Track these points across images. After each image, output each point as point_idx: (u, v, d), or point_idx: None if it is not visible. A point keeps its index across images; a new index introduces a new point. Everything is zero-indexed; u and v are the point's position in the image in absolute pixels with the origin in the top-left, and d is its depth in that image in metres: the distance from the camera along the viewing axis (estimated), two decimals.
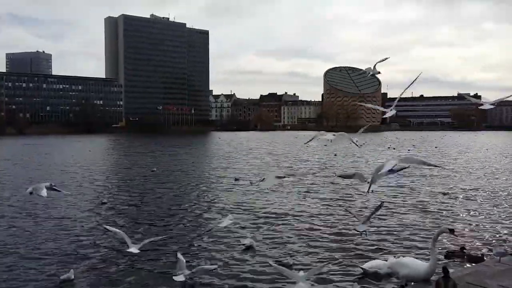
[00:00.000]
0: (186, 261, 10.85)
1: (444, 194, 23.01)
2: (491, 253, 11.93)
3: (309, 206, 20.26)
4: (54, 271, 11.54)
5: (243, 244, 13.54)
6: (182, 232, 15.95)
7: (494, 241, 13.74)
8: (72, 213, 19.16)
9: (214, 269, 11.13)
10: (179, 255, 10.80)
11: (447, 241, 13.59)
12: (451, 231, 8.51)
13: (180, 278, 10.37)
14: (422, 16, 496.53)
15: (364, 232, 11.21)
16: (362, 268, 10.98)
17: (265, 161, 43.46)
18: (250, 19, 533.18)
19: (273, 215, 18.34)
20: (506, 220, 17.01)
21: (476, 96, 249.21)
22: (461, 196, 22.63)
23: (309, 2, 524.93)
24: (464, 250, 12.26)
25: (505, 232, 15.20)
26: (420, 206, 19.94)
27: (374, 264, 10.95)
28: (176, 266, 10.72)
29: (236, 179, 29.45)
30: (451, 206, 19.99)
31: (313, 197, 22.70)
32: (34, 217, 18.38)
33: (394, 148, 65.81)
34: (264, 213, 18.82)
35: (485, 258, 11.37)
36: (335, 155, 51.64)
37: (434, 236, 8.47)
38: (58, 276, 10.92)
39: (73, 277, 10.75)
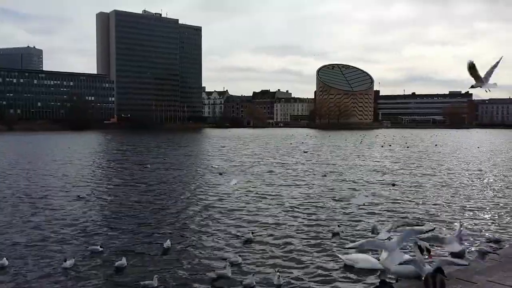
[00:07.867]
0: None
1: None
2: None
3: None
4: None
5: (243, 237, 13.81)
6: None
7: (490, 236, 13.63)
8: (43, 207, 18.89)
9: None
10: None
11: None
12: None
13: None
14: (414, 14, 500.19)
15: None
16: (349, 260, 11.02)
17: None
18: (243, 16, 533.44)
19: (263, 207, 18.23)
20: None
21: (467, 94, 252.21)
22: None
23: None
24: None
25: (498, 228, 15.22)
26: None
27: (363, 257, 10.95)
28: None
29: (220, 174, 29.85)
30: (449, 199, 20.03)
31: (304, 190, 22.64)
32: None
33: (390, 145, 66.13)
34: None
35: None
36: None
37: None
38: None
39: (7, 263, 10.76)
